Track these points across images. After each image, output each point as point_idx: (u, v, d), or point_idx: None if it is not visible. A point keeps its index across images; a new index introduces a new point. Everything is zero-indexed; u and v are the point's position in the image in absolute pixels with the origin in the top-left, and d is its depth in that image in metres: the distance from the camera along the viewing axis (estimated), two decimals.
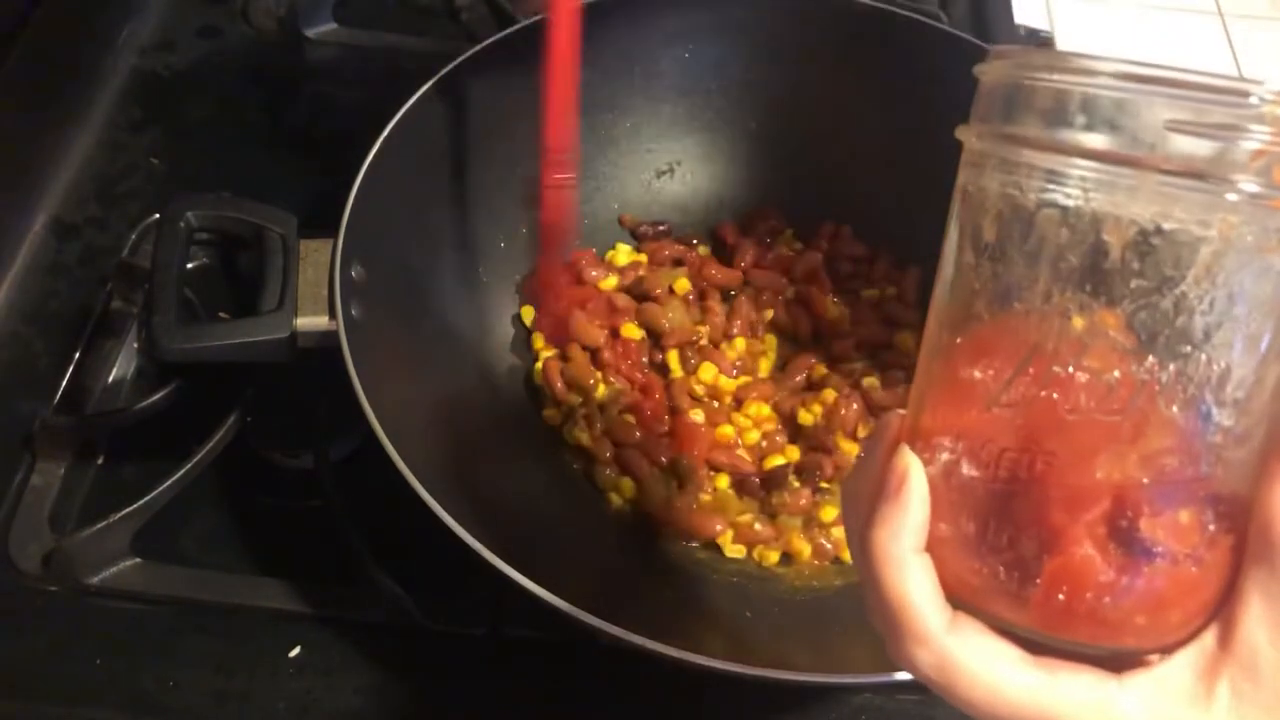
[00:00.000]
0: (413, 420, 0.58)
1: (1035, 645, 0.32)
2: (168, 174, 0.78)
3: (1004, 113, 0.32)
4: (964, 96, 0.75)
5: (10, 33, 0.74)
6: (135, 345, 0.69)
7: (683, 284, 0.72)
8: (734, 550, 0.64)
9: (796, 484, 0.65)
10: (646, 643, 0.49)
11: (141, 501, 0.61)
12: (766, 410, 0.69)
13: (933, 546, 0.33)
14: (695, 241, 0.76)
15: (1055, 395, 0.31)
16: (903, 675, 0.50)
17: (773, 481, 0.65)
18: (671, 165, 0.78)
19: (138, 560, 0.61)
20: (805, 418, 0.68)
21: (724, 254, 0.76)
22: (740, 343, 0.71)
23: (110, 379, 0.68)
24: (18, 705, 0.57)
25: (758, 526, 0.64)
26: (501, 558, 0.50)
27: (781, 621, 0.61)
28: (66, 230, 0.74)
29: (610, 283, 0.72)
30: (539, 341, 0.71)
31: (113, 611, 0.60)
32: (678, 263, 0.74)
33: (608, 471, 0.66)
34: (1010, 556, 0.32)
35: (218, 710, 0.57)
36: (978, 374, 0.32)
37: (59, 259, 0.73)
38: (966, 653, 0.32)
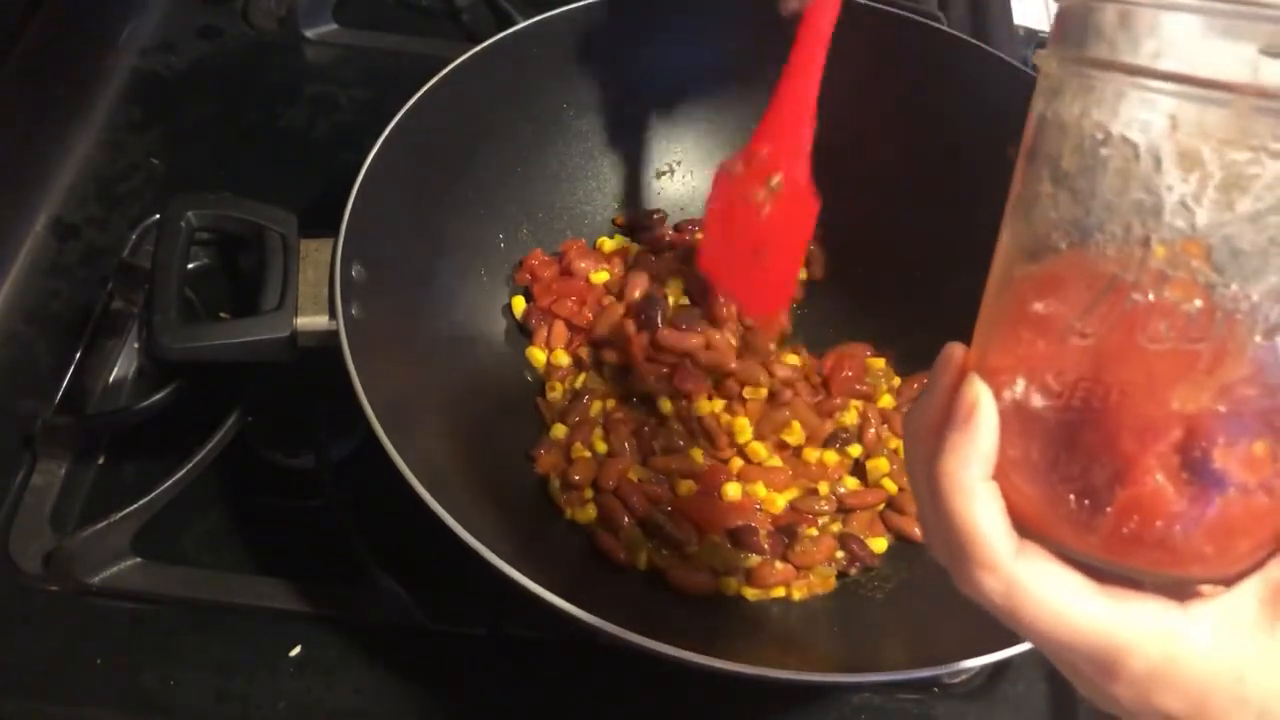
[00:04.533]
0: (413, 420, 0.58)
1: (1095, 571, 0.32)
2: (168, 174, 0.78)
3: (1088, 37, 0.31)
4: (962, 96, 0.75)
5: (10, 33, 0.74)
6: (136, 345, 0.69)
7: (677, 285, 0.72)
8: (751, 593, 0.61)
9: (814, 531, 0.62)
10: (647, 642, 0.49)
11: (142, 501, 0.61)
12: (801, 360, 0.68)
13: (1000, 475, 0.33)
14: (694, 227, 0.76)
15: (1134, 325, 0.30)
16: (901, 675, 0.50)
17: (787, 534, 0.62)
18: (671, 165, 0.78)
19: (138, 560, 0.61)
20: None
21: None
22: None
23: (111, 379, 0.68)
24: (18, 705, 0.57)
25: (778, 565, 0.61)
26: (501, 558, 0.50)
27: (781, 621, 0.61)
28: (67, 230, 0.74)
29: (601, 276, 0.72)
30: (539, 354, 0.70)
31: (113, 611, 0.60)
32: (672, 249, 0.74)
33: (568, 493, 0.64)
34: (1081, 485, 0.32)
35: (218, 710, 0.57)
36: (1052, 305, 0.32)
37: (59, 259, 0.73)
38: (1034, 579, 0.32)
